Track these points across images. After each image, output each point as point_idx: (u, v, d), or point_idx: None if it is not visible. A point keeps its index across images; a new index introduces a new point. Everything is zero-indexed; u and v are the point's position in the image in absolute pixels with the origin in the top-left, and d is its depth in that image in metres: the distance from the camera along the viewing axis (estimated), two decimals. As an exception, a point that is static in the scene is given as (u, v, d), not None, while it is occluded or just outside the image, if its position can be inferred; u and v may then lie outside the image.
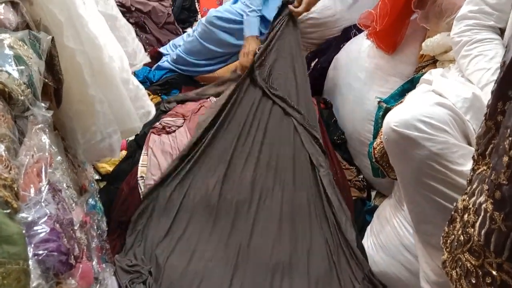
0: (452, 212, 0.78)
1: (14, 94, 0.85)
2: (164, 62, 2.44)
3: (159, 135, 1.87)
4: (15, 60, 0.90)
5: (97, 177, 1.76)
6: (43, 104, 0.96)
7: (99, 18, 1.25)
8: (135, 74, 2.13)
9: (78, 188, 1.28)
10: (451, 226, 0.78)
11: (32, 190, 0.92)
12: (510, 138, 0.58)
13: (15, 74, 0.88)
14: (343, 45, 1.99)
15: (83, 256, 1.04)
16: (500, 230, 0.61)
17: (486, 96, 1.03)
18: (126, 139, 1.89)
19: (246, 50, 2.02)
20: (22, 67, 0.90)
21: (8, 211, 0.70)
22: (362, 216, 1.66)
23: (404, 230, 1.32)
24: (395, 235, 1.34)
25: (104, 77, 1.19)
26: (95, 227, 1.32)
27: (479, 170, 0.71)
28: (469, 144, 1.02)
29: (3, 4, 1.04)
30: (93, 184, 1.46)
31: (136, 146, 1.87)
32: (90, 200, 1.34)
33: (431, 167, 0.99)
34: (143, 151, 1.82)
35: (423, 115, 0.99)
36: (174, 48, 2.51)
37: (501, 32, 1.15)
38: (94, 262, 1.15)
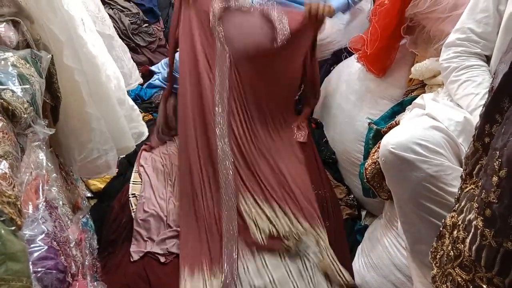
0: (441, 228, 0.80)
1: (17, 112, 0.86)
2: (156, 80, 2.43)
3: (150, 152, 1.88)
4: (19, 79, 0.91)
5: (88, 194, 1.75)
6: (43, 122, 0.97)
7: (98, 38, 1.27)
8: (127, 92, 2.14)
9: (72, 205, 1.28)
10: (440, 241, 0.80)
11: (30, 207, 0.92)
12: (500, 160, 0.61)
13: (19, 93, 0.89)
14: (334, 67, 2.04)
15: (79, 274, 1.04)
16: (490, 246, 0.63)
17: (475, 120, 1.07)
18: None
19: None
20: (26, 86, 0.91)
21: (13, 228, 0.70)
22: (353, 236, 1.68)
23: (395, 249, 1.34)
24: (386, 255, 1.36)
25: (101, 96, 1.20)
26: (87, 245, 1.31)
27: (467, 189, 0.74)
28: (462, 166, 1.04)
29: (4, 23, 1.06)
30: (84, 202, 1.45)
31: (127, 163, 1.87)
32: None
33: (427, 189, 1.01)
34: (134, 169, 1.82)
35: (420, 138, 1.02)
36: (165, 66, 2.51)
37: (487, 59, 1.21)
38: (88, 280, 1.14)
